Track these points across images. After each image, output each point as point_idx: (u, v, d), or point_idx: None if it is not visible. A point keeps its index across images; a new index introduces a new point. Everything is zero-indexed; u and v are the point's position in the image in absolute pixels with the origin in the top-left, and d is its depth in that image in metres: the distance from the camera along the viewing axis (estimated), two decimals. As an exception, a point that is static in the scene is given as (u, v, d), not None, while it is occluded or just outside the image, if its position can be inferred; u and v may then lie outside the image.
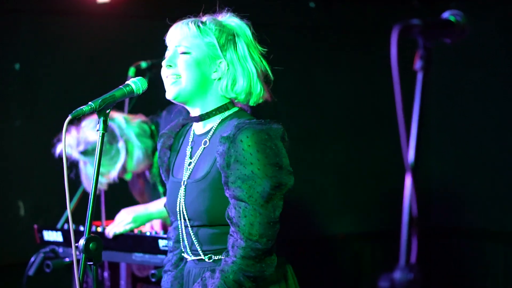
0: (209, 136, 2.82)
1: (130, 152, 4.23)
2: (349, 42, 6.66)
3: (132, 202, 4.45)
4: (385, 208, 6.67)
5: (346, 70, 6.67)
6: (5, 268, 5.43)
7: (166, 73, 2.81)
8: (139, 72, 4.55)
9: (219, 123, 2.82)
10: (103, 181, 4.28)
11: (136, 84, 2.75)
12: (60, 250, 4.35)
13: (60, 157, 4.14)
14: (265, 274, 2.66)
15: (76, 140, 4.17)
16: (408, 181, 1.60)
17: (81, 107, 2.61)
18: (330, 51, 6.61)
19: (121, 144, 4.20)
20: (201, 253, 2.80)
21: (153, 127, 4.33)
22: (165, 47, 2.88)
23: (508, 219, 6.31)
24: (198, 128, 2.89)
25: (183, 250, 2.89)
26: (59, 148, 4.19)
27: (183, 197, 2.80)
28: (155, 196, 4.38)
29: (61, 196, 2.65)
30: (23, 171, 5.58)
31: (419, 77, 1.67)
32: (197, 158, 2.84)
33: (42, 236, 4.40)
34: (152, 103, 4.32)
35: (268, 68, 2.86)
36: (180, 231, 2.87)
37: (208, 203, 2.72)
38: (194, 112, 2.85)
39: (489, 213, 6.44)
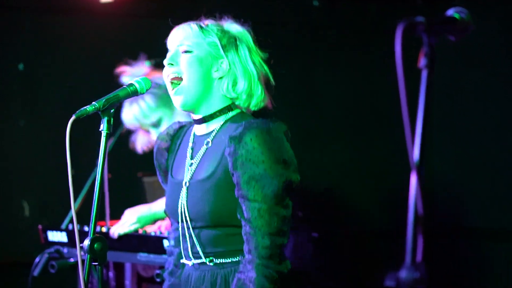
0: (212, 137, 2.81)
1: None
2: (348, 42, 6.65)
3: (136, 202, 4.44)
4: (386, 207, 6.65)
5: (346, 69, 6.65)
6: (9, 268, 5.43)
7: (167, 72, 2.81)
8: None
9: (222, 124, 2.82)
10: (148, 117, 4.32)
11: (139, 83, 2.75)
12: (65, 250, 4.34)
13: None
14: (286, 271, 2.66)
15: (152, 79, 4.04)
16: (414, 179, 1.60)
17: (85, 107, 2.60)
18: (330, 50, 6.60)
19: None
20: (203, 256, 2.78)
21: None
22: (166, 45, 2.87)
23: (508, 218, 6.31)
24: (199, 129, 2.88)
25: (183, 253, 2.87)
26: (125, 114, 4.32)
27: (185, 198, 2.79)
28: None
29: (66, 196, 2.65)
30: (27, 171, 5.58)
31: (424, 75, 1.66)
32: (199, 158, 2.82)
33: (46, 237, 4.40)
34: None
35: (269, 73, 2.86)
36: (180, 233, 2.86)
37: (212, 204, 2.71)
38: (198, 115, 2.85)
39: (489, 212, 6.43)
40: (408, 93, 1.63)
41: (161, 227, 4.39)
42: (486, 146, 6.44)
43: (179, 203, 2.81)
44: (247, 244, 2.65)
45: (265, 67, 2.86)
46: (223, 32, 2.82)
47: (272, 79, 2.87)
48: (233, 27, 2.86)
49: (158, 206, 4.12)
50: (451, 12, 1.77)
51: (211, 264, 2.76)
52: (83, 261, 2.55)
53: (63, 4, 5.60)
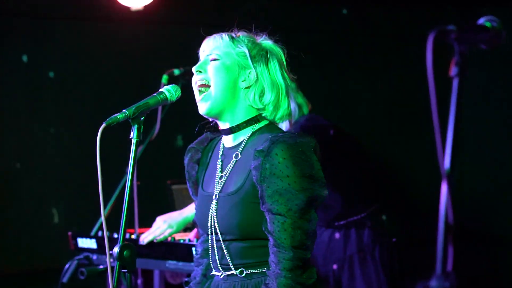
0: (241, 149, 2.80)
1: None
2: (381, 48, 6.64)
3: (165, 210, 4.45)
4: (416, 216, 6.62)
5: (380, 75, 6.64)
6: (40, 274, 5.47)
7: (195, 79, 2.82)
8: (172, 80, 4.55)
9: (250, 136, 2.81)
10: None
11: (169, 91, 2.76)
12: (94, 257, 4.36)
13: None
14: (309, 283, 2.65)
15: None
16: (444, 188, 1.59)
17: (115, 114, 2.61)
18: (363, 56, 6.59)
19: None
20: (232, 268, 2.77)
21: None
22: (198, 54, 2.88)
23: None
24: (228, 141, 2.87)
25: (212, 265, 2.87)
26: None
27: (215, 211, 2.79)
28: None
29: (95, 203, 2.66)
30: (57, 178, 5.61)
31: (455, 83, 1.66)
32: (229, 171, 2.82)
33: (76, 243, 4.42)
34: (185, 110, 4.33)
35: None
36: (210, 245, 2.86)
37: (240, 217, 2.70)
38: (224, 125, 2.85)
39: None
40: (440, 100, 1.63)
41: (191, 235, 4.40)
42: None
43: (209, 216, 2.81)
44: (272, 256, 2.65)
45: (292, 85, 2.86)
46: (254, 44, 2.82)
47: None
48: (266, 42, 2.86)
49: (189, 210, 4.11)
50: (482, 20, 1.76)
51: (241, 275, 2.76)
52: (112, 268, 2.56)
53: (93, 12, 5.64)
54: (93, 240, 4.35)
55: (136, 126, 2.64)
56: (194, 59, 2.90)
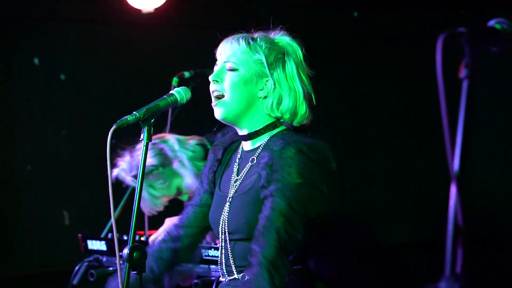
0: (257, 154, 2.80)
1: (183, 175, 4.18)
2: (392, 50, 6.64)
3: (174, 212, 4.45)
4: (432, 217, 6.61)
5: (391, 78, 6.64)
6: (50, 276, 5.48)
7: (212, 88, 2.80)
8: (182, 82, 4.56)
9: (268, 141, 2.80)
10: (158, 204, 4.23)
11: (180, 93, 2.76)
12: (104, 259, 4.36)
13: (116, 180, 4.13)
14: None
15: (129, 165, 4.14)
16: (453, 190, 1.58)
17: (126, 116, 2.62)
18: (375, 59, 6.59)
19: (176, 165, 4.16)
20: (234, 270, 2.77)
21: (209, 147, 4.21)
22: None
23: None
24: (246, 145, 2.87)
25: (219, 268, 2.86)
26: (115, 172, 4.16)
27: (227, 212, 2.79)
28: None
29: (105, 205, 2.67)
30: (67, 180, 5.63)
31: (465, 85, 1.65)
32: (243, 175, 2.81)
33: (86, 245, 4.42)
34: (195, 112, 4.33)
35: (312, 93, 2.84)
36: (220, 247, 2.86)
37: (250, 215, 2.69)
38: (243, 131, 2.84)
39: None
40: (452, 102, 1.62)
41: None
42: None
43: (221, 216, 2.81)
44: (256, 240, 2.62)
45: (309, 86, 2.83)
46: (271, 48, 2.78)
47: (314, 99, 2.85)
48: (283, 38, 2.84)
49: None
50: (492, 22, 1.75)
51: (244, 280, 2.72)
52: (122, 269, 2.57)
53: (104, 14, 5.65)
54: (103, 242, 4.36)
55: (146, 128, 2.65)
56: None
